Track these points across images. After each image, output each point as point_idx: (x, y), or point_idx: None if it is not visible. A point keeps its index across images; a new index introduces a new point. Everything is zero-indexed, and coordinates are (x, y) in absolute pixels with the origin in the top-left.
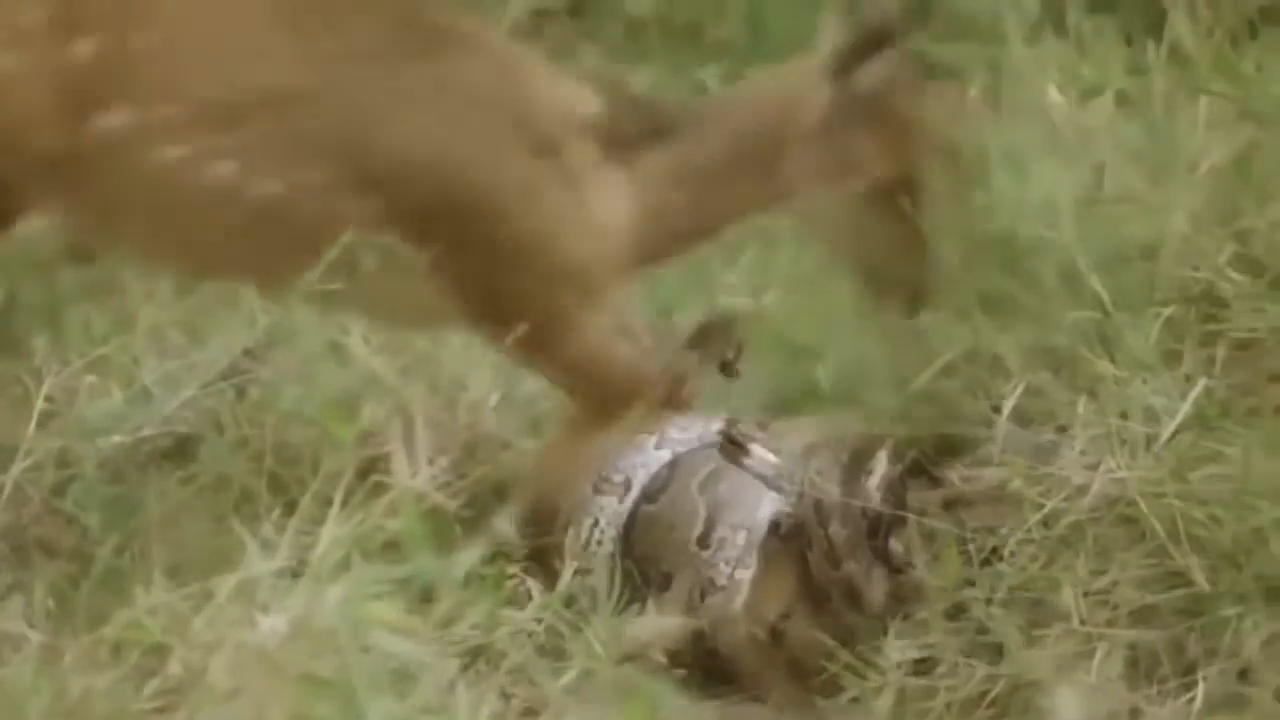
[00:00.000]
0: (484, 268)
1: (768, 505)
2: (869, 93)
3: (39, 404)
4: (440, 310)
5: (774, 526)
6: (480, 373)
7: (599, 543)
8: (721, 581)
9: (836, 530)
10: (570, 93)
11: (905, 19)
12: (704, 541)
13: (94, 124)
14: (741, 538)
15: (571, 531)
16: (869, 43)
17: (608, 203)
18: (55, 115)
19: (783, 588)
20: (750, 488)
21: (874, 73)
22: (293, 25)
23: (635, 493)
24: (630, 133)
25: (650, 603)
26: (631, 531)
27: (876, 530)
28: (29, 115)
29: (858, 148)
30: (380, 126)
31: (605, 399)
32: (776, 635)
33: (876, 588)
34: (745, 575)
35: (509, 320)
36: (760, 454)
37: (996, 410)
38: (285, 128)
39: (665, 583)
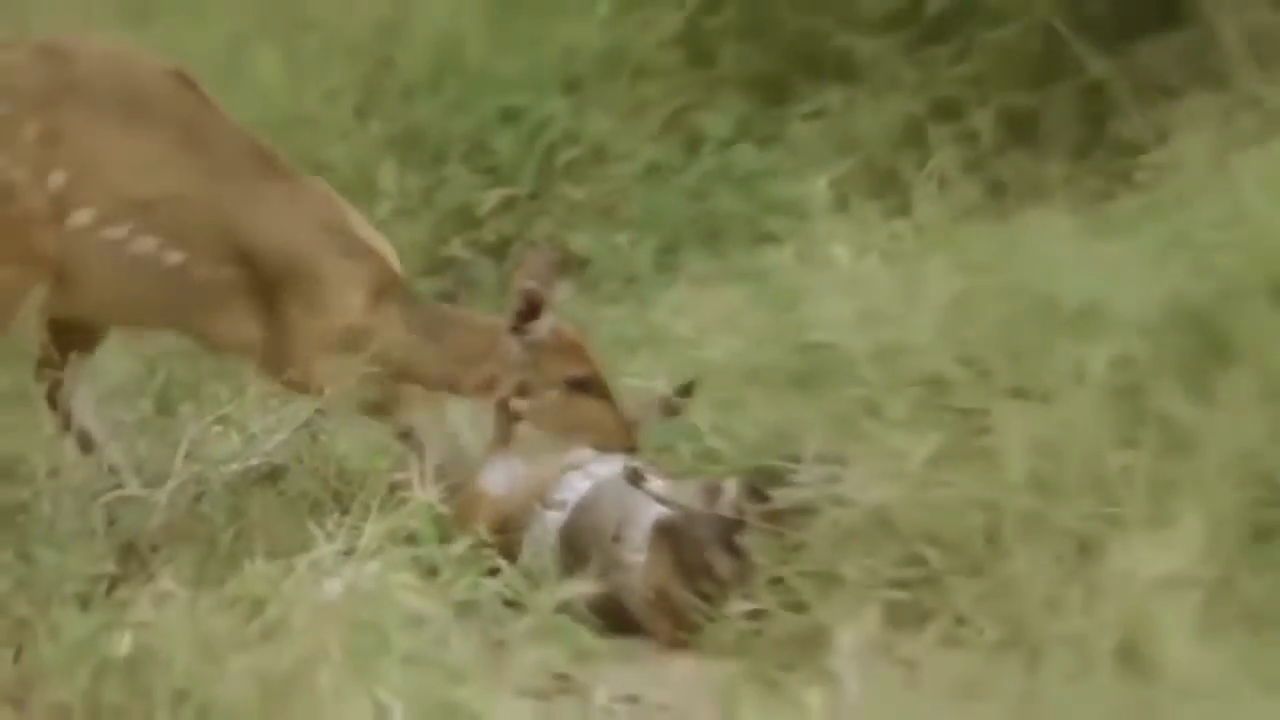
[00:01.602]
0: (291, 318)
1: (655, 514)
2: (540, 334)
3: (184, 446)
4: None
5: (657, 526)
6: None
7: (546, 541)
8: (628, 563)
9: (702, 531)
10: (374, 232)
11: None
12: (616, 538)
13: (70, 223)
14: (640, 535)
15: (528, 533)
16: (530, 312)
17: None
18: (48, 220)
19: (665, 566)
20: (647, 503)
21: (540, 326)
22: (175, 143)
23: (571, 507)
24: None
25: (580, 576)
26: (569, 531)
27: (730, 529)
28: (33, 219)
29: (548, 367)
30: (241, 220)
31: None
32: (662, 597)
33: (725, 566)
34: (640, 559)
35: (282, 355)
36: (655, 482)
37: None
38: (183, 215)
39: (590, 564)
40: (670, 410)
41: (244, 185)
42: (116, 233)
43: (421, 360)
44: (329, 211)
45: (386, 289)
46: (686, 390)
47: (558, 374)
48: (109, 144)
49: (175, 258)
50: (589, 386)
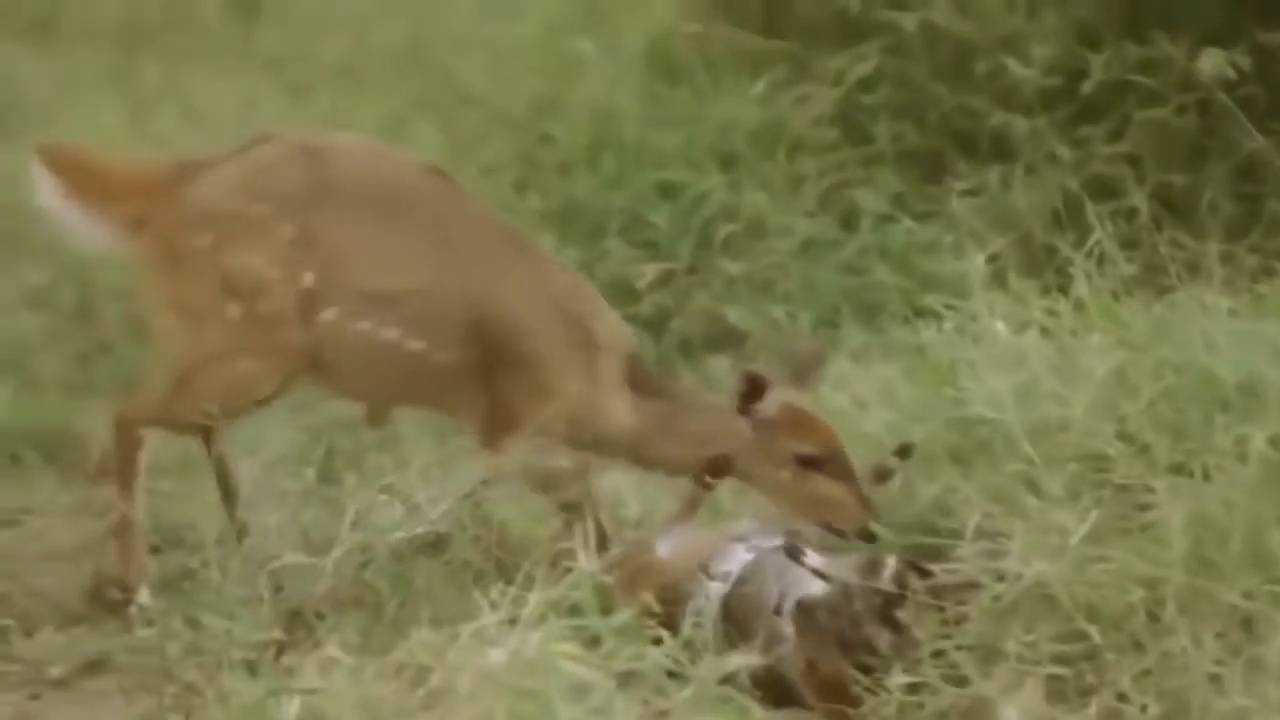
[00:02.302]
0: (510, 398)
1: (816, 589)
2: (769, 414)
3: (350, 515)
4: None
5: (810, 600)
6: (630, 498)
7: (709, 612)
8: (788, 635)
9: (858, 606)
10: (613, 320)
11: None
12: (778, 611)
13: (319, 319)
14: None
15: (691, 603)
16: (754, 394)
17: (608, 396)
18: (296, 318)
19: (814, 640)
20: (806, 577)
21: (768, 405)
22: (426, 237)
23: (733, 579)
24: (640, 374)
25: (742, 647)
26: (731, 602)
27: (890, 604)
28: (281, 318)
29: (779, 445)
30: (482, 302)
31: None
32: (820, 670)
33: (884, 640)
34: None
35: (499, 430)
36: (813, 557)
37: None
38: (426, 306)
39: (752, 635)
40: (882, 477)
41: (489, 269)
42: (362, 325)
43: (659, 447)
44: (568, 298)
45: (617, 377)
46: (904, 452)
47: (789, 451)
48: (359, 244)
49: (417, 345)
50: (821, 463)
